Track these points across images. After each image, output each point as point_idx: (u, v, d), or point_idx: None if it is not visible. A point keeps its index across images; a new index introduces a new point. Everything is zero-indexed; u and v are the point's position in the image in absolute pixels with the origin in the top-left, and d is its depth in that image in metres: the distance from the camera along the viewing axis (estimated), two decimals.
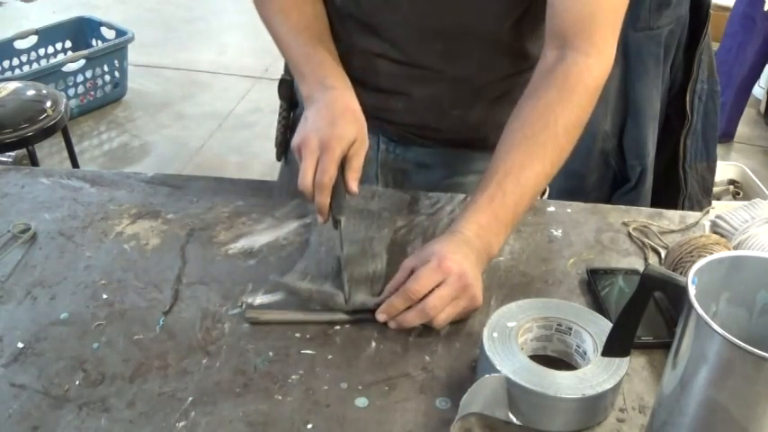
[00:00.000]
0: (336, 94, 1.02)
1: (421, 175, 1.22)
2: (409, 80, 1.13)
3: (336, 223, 0.97)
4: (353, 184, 0.98)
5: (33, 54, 3.54)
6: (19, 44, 3.48)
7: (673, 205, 1.83)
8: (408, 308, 0.89)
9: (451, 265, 0.89)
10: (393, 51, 1.11)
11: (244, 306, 0.94)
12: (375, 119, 1.08)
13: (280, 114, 1.30)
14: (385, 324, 0.91)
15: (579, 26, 0.99)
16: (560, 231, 1.11)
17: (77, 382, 0.83)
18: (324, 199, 0.96)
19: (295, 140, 1.00)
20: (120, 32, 3.57)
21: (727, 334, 0.62)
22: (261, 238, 1.06)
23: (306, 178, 0.97)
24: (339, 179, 0.98)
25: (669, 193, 1.88)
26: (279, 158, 1.33)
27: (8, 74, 3.38)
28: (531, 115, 0.98)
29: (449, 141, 1.20)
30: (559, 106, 0.97)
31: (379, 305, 0.91)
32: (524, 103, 1.00)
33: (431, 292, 0.88)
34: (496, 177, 0.96)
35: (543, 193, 1.31)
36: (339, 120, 0.99)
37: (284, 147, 1.31)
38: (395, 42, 1.10)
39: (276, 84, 1.29)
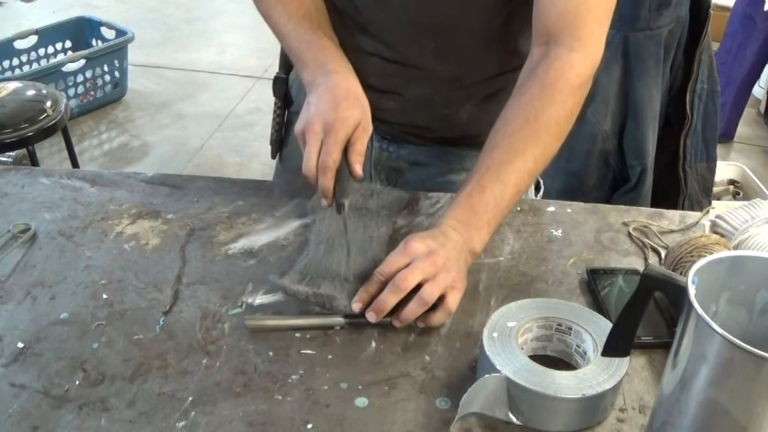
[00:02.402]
0: (339, 78, 1.02)
1: (415, 172, 1.22)
2: (401, 79, 1.14)
3: (340, 207, 0.97)
4: (358, 167, 0.98)
5: (33, 54, 3.54)
6: (19, 44, 3.48)
7: (673, 205, 1.84)
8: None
9: (418, 246, 0.90)
10: (385, 50, 1.11)
11: (244, 306, 0.94)
12: None
13: (274, 112, 1.30)
14: (385, 324, 0.91)
15: (563, 21, 0.99)
16: (560, 231, 1.11)
17: (77, 382, 0.83)
18: (328, 182, 0.96)
19: (298, 125, 0.99)
20: (120, 32, 3.58)
21: (727, 334, 0.62)
22: (261, 238, 1.06)
23: (310, 162, 0.96)
24: (343, 163, 0.97)
25: (669, 193, 1.88)
26: (273, 156, 1.33)
27: (8, 74, 3.39)
28: (513, 112, 0.99)
29: (441, 140, 1.20)
30: (540, 102, 0.97)
31: None
32: (509, 102, 1.00)
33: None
34: (477, 175, 0.96)
35: (538, 192, 1.31)
36: (342, 103, 0.98)
37: (278, 145, 1.31)
38: (387, 41, 1.10)
39: None
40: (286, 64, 1.28)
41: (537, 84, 0.98)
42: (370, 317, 0.89)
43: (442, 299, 0.89)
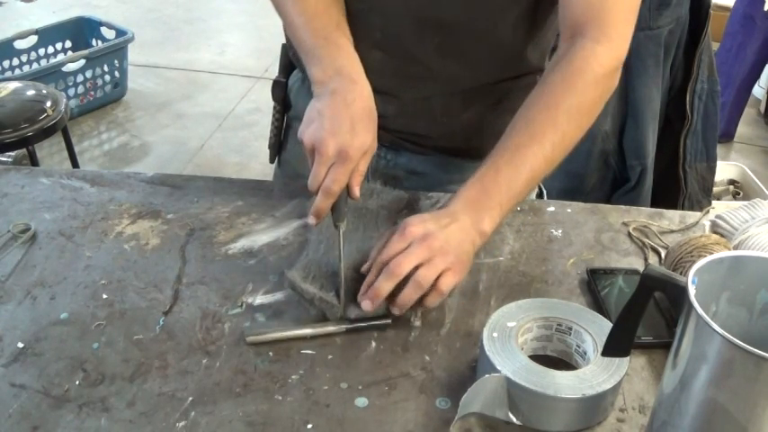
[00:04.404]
0: (356, 93, 0.97)
1: (413, 181, 1.21)
2: (400, 79, 1.12)
3: (337, 228, 0.97)
4: (357, 189, 0.96)
5: (33, 54, 3.54)
6: (19, 44, 3.48)
7: (673, 205, 1.83)
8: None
9: (415, 230, 0.90)
10: (388, 43, 1.09)
11: (244, 306, 0.94)
12: None
13: (273, 116, 1.28)
14: (385, 328, 0.91)
15: (589, 14, 0.98)
16: (560, 231, 1.11)
17: (77, 382, 0.83)
18: (325, 205, 0.94)
19: (309, 137, 0.95)
20: (120, 32, 3.58)
21: (727, 334, 0.62)
22: (261, 238, 1.06)
23: (316, 182, 0.93)
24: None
25: (669, 193, 1.88)
26: (272, 160, 1.32)
27: (8, 74, 3.39)
28: (534, 99, 0.98)
29: (440, 149, 1.19)
30: (561, 89, 0.97)
31: (376, 314, 0.91)
32: (533, 91, 1.00)
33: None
34: (492, 158, 0.96)
35: (541, 194, 1.30)
36: (358, 125, 0.95)
37: (277, 149, 1.30)
38: (391, 33, 1.08)
39: None
40: (286, 68, 1.27)
41: (559, 73, 0.98)
42: (366, 305, 0.89)
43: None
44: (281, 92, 1.27)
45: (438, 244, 0.89)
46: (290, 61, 1.26)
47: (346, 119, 0.94)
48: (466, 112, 1.15)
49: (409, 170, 1.22)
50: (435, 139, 1.18)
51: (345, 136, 0.93)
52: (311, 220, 0.95)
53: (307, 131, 0.95)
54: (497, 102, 1.14)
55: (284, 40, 1.25)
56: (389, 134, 1.17)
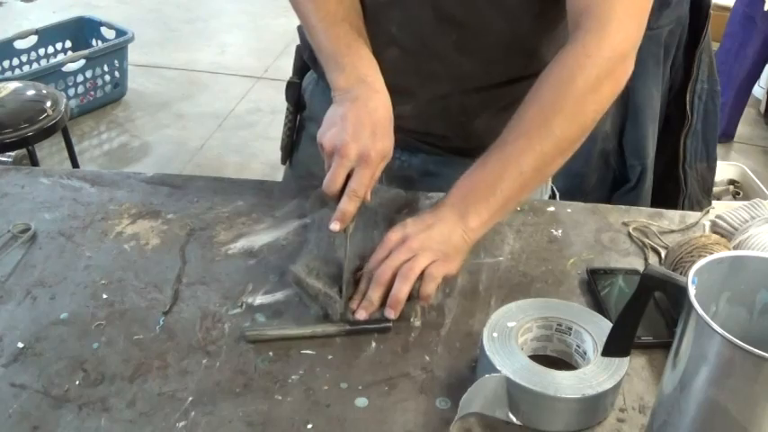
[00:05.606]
0: (378, 100, 0.99)
1: (426, 183, 1.20)
2: (417, 76, 1.11)
3: (345, 230, 0.97)
4: (369, 193, 0.98)
5: (33, 54, 3.54)
6: (19, 44, 3.48)
7: (673, 205, 1.83)
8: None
9: (393, 236, 0.95)
10: (406, 37, 1.08)
11: (244, 306, 0.94)
12: None
13: (286, 117, 1.28)
14: (386, 331, 0.91)
15: (585, 3, 0.98)
16: (560, 231, 1.11)
17: (77, 382, 0.83)
18: (353, 209, 0.95)
19: (330, 140, 0.96)
20: (120, 32, 3.58)
21: (727, 334, 0.62)
22: (261, 238, 1.06)
23: (335, 183, 0.95)
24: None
25: (669, 193, 1.88)
26: (284, 162, 1.32)
27: (8, 74, 3.38)
28: (526, 98, 0.98)
29: (455, 149, 1.19)
30: (547, 84, 0.97)
31: (376, 318, 0.91)
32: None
33: None
34: (482, 157, 0.98)
35: (554, 195, 1.30)
36: (379, 131, 0.97)
37: (289, 150, 1.30)
38: (409, 27, 1.07)
39: (276, 84, 1.29)
40: (300, 69, 1.26)
41: (548, 68, 0.98)
42: (360, 315, 0.91)
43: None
44: (294, 93, 1.27)
45: (417, 244, 0.92)
46: (305, 62, 1.25)
47: (368, 124, 0.97)
48: (482, 113, 1.14)
49: (423, 171, 1.22)
50: (452, 139, 1.18)
51: (367, 141, 0.96)
52: (335, 225, 0.95)
53: (327, 134, 0.97)
54: (514, 101, 1.12)
55: (298, 42, 1.25)
56: (405, 135, 1.16)
